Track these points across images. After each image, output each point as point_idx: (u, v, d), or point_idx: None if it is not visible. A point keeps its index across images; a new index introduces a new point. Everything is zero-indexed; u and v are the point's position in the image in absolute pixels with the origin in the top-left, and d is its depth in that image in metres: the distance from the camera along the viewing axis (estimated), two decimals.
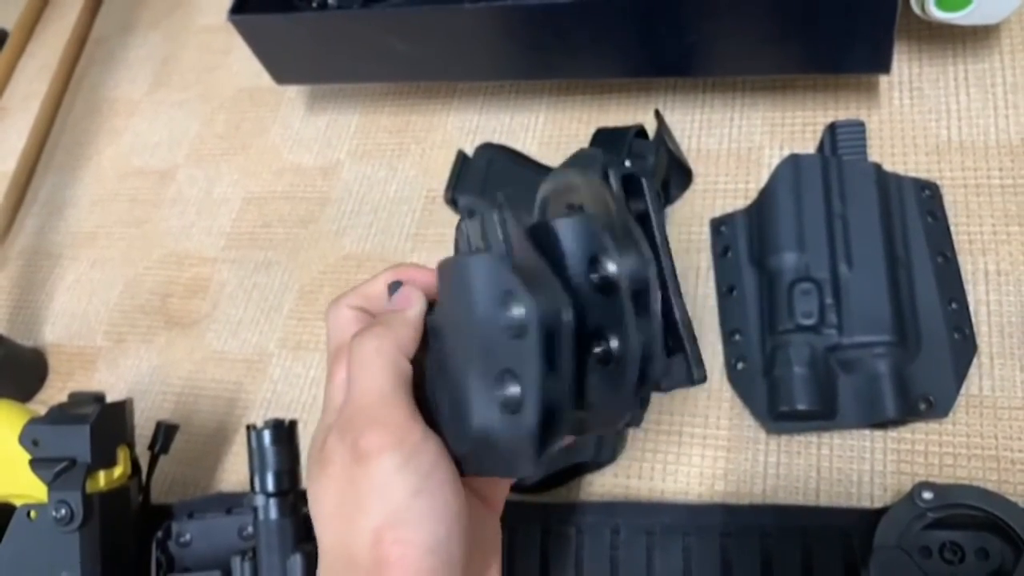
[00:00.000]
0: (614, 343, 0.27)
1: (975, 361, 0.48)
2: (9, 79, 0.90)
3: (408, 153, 0.71)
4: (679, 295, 0.29)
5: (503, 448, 0.27)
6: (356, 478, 0.28)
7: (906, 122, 0.58)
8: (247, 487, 0.48)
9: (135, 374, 0.67)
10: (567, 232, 0.29)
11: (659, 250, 0.29)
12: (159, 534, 0.51)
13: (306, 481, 0.31)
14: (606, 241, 0.28)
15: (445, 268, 0.31)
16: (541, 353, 0.26)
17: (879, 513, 0.43)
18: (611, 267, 0.28)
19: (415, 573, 0.27)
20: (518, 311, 0.26)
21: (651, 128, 0.61)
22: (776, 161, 0.55)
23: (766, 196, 0.55)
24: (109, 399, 0.51)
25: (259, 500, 0.47)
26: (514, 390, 0.26)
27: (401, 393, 0.30)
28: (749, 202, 0.57)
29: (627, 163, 0.57)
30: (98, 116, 0.86)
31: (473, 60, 0.65)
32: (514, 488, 0.50)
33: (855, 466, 0.48)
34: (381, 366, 0.30)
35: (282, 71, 0.70)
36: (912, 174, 0.55)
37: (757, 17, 0.54)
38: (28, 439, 0.49)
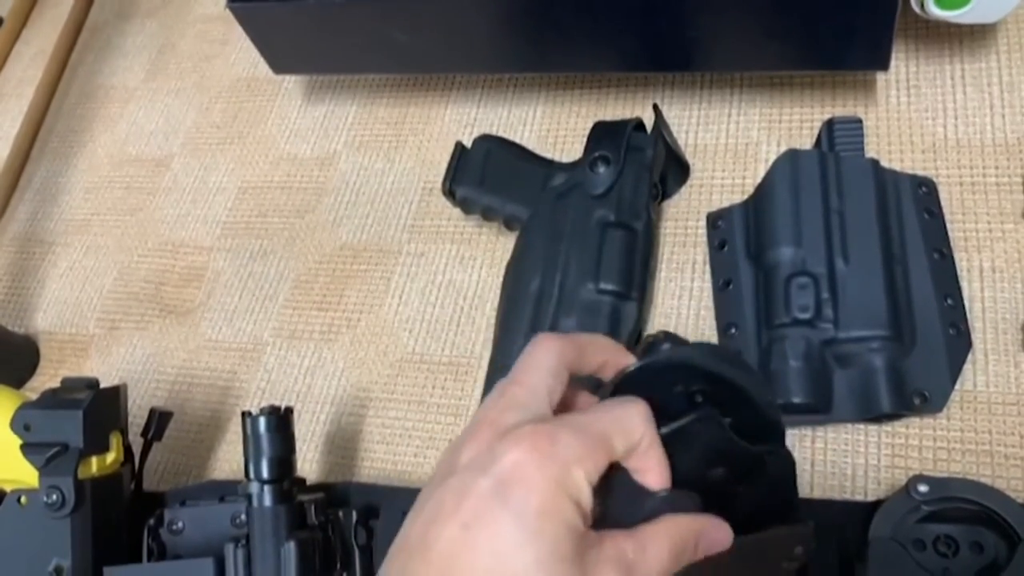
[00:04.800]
0: None
1: (970, 357, 0.49)
2: (3, 65, 0.90)
3: (405, 145, 0.70)
4: None
5: None
6: None
7: (903, 120, 0.58)
8: (240, 476, 0.48)
9: (128, 362, 0.67)
10: None
11: None
12: (151, 521, 0.50)
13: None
14: None
15: None
16: None
17: (873, 506, 0.44)
18: None
19: None
20: None
21: (649, 122, 0.61)
22: (773, 157, 0.56)
23: (763, 191, 0.55)
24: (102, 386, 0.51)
25: (253, 487, 0.47)
26: None
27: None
28: (746, 197, 0.57)
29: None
30: (93, 103, 0.86)
31: (472, 52, 0.65)
32: None
33: (849, 460, 0.48)
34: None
35: (280, 61, 0.70)
36: (909, 171, 0.55)
37: (757, 13, 0.54)
38: (19, 424, 0.48)
